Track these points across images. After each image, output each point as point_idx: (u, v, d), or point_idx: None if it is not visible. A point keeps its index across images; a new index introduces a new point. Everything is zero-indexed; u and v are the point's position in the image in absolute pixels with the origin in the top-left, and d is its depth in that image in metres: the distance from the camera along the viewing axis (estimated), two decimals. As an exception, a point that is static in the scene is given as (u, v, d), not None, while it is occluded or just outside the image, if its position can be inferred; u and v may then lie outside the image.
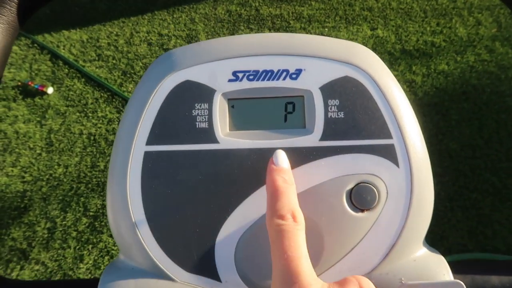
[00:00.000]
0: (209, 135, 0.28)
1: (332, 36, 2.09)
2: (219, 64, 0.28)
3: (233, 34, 2.17)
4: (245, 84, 0.28)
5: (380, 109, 0.28)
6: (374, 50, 1.98)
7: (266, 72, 0.28)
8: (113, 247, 1.33)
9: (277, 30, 2.17)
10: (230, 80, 0.28)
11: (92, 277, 1.30)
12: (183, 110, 0.28)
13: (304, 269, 0.22)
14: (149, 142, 0.28)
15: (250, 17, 2.26)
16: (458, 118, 1.66)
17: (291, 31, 2.16)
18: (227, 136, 0.28)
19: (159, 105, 0.28)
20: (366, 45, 2.00)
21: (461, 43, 2.00)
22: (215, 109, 0.28)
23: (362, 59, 0.29)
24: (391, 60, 1.93)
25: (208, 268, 0.28)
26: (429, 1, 2.28)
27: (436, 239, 1.30)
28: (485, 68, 1.87)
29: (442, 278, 0.27)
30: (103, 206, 1.44)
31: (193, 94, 0.28)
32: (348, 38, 2.08)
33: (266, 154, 0.28)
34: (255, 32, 2.17)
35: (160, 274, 0.28)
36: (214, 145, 0.28)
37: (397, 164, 0.28)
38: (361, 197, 0.28)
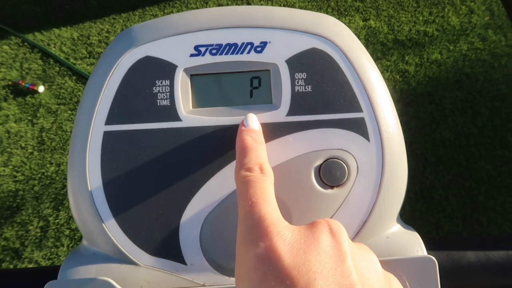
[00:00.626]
0: (171, 113, 0.27)
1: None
2: (181, 38, 0.27)
3: (225, 28, 2.16)
4: (207, 59, 0.27)
5: (349, 82, 0.27)
6: (366, 40, 1.97)
7: (229, 45, 0.27)
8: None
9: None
10: (192, 55, 0.27)
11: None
12: (144, 88, 0.27)
13: (268, 211, 0.21)
14: (109, 121, 0.27)
15: (242, 11, 2.25)
16: (452, 107, 1.65)
17: (283, 24, 2.14)
18: (190, 114, 0.27)
19: (118, 83, 0.27)
20: (358, 36, 1.99)
21: (454, 32, 1.99)
22: (176, 85, 0.27)
23: (330, 30, 0.28)
24: (384, 50, 1.92)
25: (173, 251, 0.27)
26: (421, -10, 2.27)
27: (431, 228, 1.30)
28: (478, 56, 1.86)
29: (415, 255, 0.26)
30: (96, 204, 1.43)
31: (153, 71, 0.27)
32: (340, 30, 2.07)
33: (231, 132, 0.27)
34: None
35: (123, 259, 0.27)
36: (176, 123, 0.27)
37: (367, 138, 0.27)
38: (330, 173, 0.27)
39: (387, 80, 1.77)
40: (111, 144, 0.27)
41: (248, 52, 0.27)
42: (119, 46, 0.28)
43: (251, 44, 0.27)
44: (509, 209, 1.32)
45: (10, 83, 1.85)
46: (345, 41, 0.28)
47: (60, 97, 1.81)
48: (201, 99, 0.28)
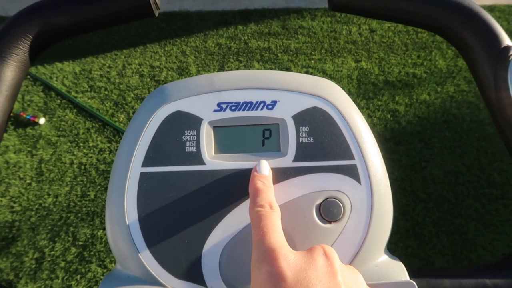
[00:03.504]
0: (197, 157, 0.32)
1: (318, 68, 2.17)
2: (206, 96, 0.33)
3: (223, 66, 2.24)
4: (228, 114, 0.33)
5: (344, 135, 0.33)
6: (358, 81, 2.06)
7: (246, 103, 0.33)
8: (101, 277, 1.32)
9: (266, 62, 2.25)
10: (215, 110, 0.33)
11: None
12: (174, 136, 0.32)
13: (276, 239, 0.26)
14: (145, 164, 0.32)
15: (239, 50, 2.34)
16: (441, 146, 1.72)
17: (279, 63, 2.23)
18: (212, 159, 0.33)
19: (153, 132, 0.32)
20: (351, 76, 2.08)
21: (441, 75, 2.10)
22: (202, 135, 0.33)
23: (328, 92, 0.34)
24: (375, 90, 2.01)
25: (196, 275, 0.31)
26: (409, 35, 2.40)
27: (422, 264, 1.32)
28: (464, 98, 1.96)
29: (399, 280, 0.30)
30: (93, 236, 1.44)
31: (183, 123, 0.33)
32: (333, 70, 2.16)
33: (247, 174, 0.32)
34: (244, 64, 2.25)
35: (153, 281, 0.31)
36: (201, 167, 0.32)
37: (359, 181, 0.32)
38: (329, 211, 0.32)
39: (379, 119, 1.84)
40: (146, 183, 0.32)
41: (261, 109, 0.33)
42: (154, 101, 0.34)
43: (264, 102, 0.33)
44: (498, 246, 1.36)
45: (11, 114, 1.89)
46: (340, 101, 0.34)
47: (60, 129, 1.85)
48: (222, 147, 0.33)
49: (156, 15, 0.36)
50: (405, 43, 2.34)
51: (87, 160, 1.71)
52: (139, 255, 0.31)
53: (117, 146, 1.76)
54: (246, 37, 2.44)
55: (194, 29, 2.53)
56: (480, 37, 0.34)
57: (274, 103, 0.33)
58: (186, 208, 0.32)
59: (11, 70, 0.33)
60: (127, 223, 0.31)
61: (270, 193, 0.30)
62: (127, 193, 0.32)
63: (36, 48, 0.34)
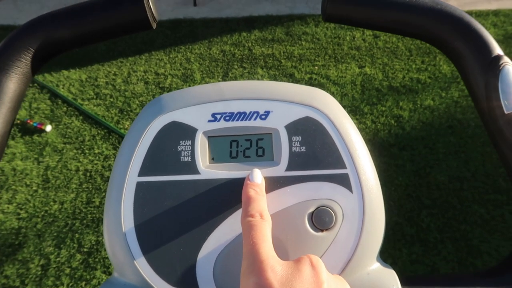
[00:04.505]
0: (191, 167, 0.33)
1: (321, 74, 2.18)
2: (201, 107, 0.34)
3: (227, 72, 2.25)
4: (222, 124, 0.34)
5: (336, 144, 0.33)
6: (362, 86, 2.06)
7: (240, 113, 0.34)
8: (106, 284, 1.33)
9: (269, 68, 2.26)
10: (209, 121, 0.34)
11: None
12: (170, 146, 0.33)
13: (265, 249, 0.27)
14: (141, 173, 0.33)
15: (243, 56, 2.36)
16: (445, 152, 1.71)
17: (283, 70, 2.24)
18: (207, 168, 0.33)
19: (149, 142, 0.33)
20: (354, 82, 2.08)
21: (445, 80, 2.09)
22: (197, 145, 0.33)
23: (320, 102, 0.35)
24: (379, 96, 2.01)
25: (190, 282, 0.32)
26: (413, 40, 2.40)
27: (427, 270, 1.31)
28: (469, 103, 1.95)
29: None
30: (98, 242, 1.45)
31: (178, 133, 0.34)
32: (337, 76, 2.16)
33: (240, 183, 0.33)
34: (248, 71, 2.26)
35: None
36: (196, 176, 0.33)
37: (351, 190, 0.33)
38: (321, 219, 0.32)
39: (383, 125, 1.84)
40: (142, 193, 0.33)
41: (255, 119, 0.34)
42: (151, 112, 0.35)
43: (257, 112, 0.34)
44: (504, 252, 1.34)
45: (18, 122, 1.91)
46: (332, 111, 0.34)
47: (67, 136, 1.87)
48: (216, 156, 0.34)
49: (154, 27, 0.37)
50: (409, 49, 2.34)
51: (92, 167, 1.73)
52: (135, 262, 0.32)
53: (122, 153, 1.78)
54: (250, 44, 2.46)
55: (199, 36, 2.55)
56: (472, 47, 0.34)
57: (267, 113, 0.34)
58: (181, 217, 0.32)
59: (13, 82, 0.34)
60: (124, 231, 0.32)
61: (262, 201, 0.31)
62: (124, 202, 0.32)
63: (38, 61, 0.36)
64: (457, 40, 0.35)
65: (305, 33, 2.52)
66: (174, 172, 0.33)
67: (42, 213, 1.55)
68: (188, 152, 0.33)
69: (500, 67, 0.33)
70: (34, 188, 1.64)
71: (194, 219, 0.32)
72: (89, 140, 1.85)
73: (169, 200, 0.32)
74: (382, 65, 2.23)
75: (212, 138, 0.34)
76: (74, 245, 1.44)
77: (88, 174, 1.70)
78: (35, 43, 0.35)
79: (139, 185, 0.33)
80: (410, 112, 1.92)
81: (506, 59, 0.34)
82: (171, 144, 0.33)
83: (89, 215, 1.54)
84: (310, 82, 2.13)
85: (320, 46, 2.40)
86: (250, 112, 0.34)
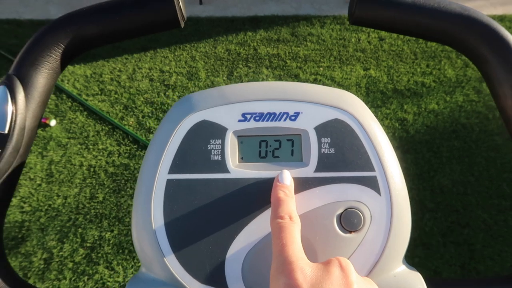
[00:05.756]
0: (221, 166, 0.33)
1: (326, 75, 2.18)
2: (231, 107, 0.34)
3: (232, 71, 2.25)
4: (252, 124, 0.34)
5: (364, 146, 0.34)
6: (367, 89, 2.06)
7: (269, 114, 0.34)
8: (108, 279, 1.33)
9: (274, 69, 2.26)
10: (240, 120, 0.34)
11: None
12: (200, 145, 0.34)
13: (294, 251, 0.27)
14: (171, 171, 0.33)
15: (249, 56, 2.36)
16: (449, 156, 1.71)
17: (288, 70, 2.25)
18: (236, 167, 0.34)
19: (180, 140, 0.34)
20: (359, 84, 2.09)
21: (450, 84, 2.10)
22: (227, 144, 0.34)
23: (349, 105, 0.35)
24: (384, 99, 2.01)
25: (219, 280, 0.32)
26: (419, 44, 2.40)
27: (429, 274, 1.32)
28: (473, 108, 1.95)
29: None
30: (100, 237, 1.45)
31: (208, 132, 0.34)
32: (342, 78, 2.16)
33: (269, 183, 0.33)
34: (253, 70, 2.26)
35: (177, 285, 0.32)
36: (225, 175, 0.33)
37: (379, 192, 0.33)
38: (349, 221, 0.32)
39: (387, 128, 1.84)
40: (172, 190, 0.33)
41: (284, 120, 0.34)
42: (181, 110, 0.35)
43: (287, 113, 0.34)
44: (507, 258, 1.35)
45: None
46: (360, 114, 0.35)
47: (71, 131, 1.87)
48: (246, 156, 0.34)
49: (182, 26, 0.37)
50: (414, 52, 2.34)
51: (96, 162, 1.73)
52: (165, 259, 0.32)
53: (126, 149, 1.78)
54: (255, 43, 2.46)
55: (204, 35, 2.55)
56: (498, 54, 0.34)
57: (297, 114, 0.34)
58: (210, 215, 0.32)
59: (43, 77, 0.34)
60: (154, 228, 0.32)
61: (291, 203, 0.31)
62: (154, 199, 0.33)
63: (67, 56, 0.36)
64: (484, 47, 0.35)
65: (311, 34, 2.52)
66: (204, 170, 0.33)
67: (46, 207, 1.55)
68: (218, 151, 0.33)
69: None
70: (38, 182, 1.64)
71: (224, 218, 0.32)
72: (93, 136, 1.85)
73: (199, 198, 0.33)
74: (387, 68, 2.23)
75: (242, 137, 0.34)
76: (77, 239, 1.44)
77: (92, 169, 1.70)
78: (65, 39, 0.35)
79: (169, 182, 0.33)
80: (414, 116, 1.92)
81: None
82: (201, 143, 0.34)
83: (92, 210, 1.54)
84: (315, 83, 2.13)
85: (326, 48, 2.40)
86: (280, 113, 0.34)
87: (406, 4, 0.35)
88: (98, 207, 1.55)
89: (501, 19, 2.60)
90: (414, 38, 2.42)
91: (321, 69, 2.24)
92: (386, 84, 2.12)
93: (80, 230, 1.47)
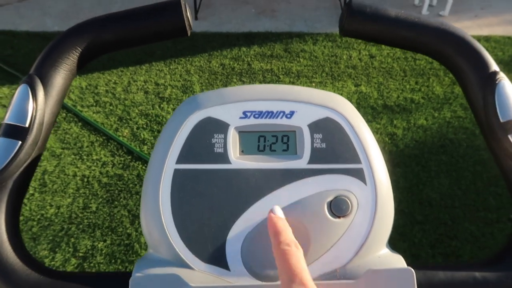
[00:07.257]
0: (224, 157, 0.37)
1: (319, 90, 2.23)
2: (233, 105, 0.38)
3: (226, 86, 2.29)
4: (252, 121, 0.38)
5: (352, 142, 0.38)
6: (358, 104, 2.12)
7: (268, 112, 0.38)
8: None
9: (268, 83, 2.31)
10: (241, 118, 0.38)
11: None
12: (205, 139, 0.37)
13: (308, 278, 0.29)
14: (178, 161, 0.37)
15: (243, 70, 2.41)
16: (437, 170, 1.76)
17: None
18: (237, 159, 0.37)
19: (187, 134, 0.37)
20: (350, 100, 2.13)
21: (438, 101, 2.16)
22: (229, 138, 0.37)
23: (339, 105, 0.39)
24: (374, 114, 2.06)
25: (220, 259, 0.35)
26: (408, 61, 2.48)
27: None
28: (461, 123, 2.01)
29: (399, 267, 0.34)
30: (93, 247, 1.45)
31: (212, 127, 0.38)
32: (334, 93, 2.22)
33: (267, 173, 0.37)
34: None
35: (182, 264, 0.35)
36: (227, 165, 0.37)
37: (365, 182, 0.37)
38: (338, 207, 0.36)
39: (377, 142, 1.89)
40: (179, 178, 0.36)
41: (281, 118, 0.38)
42: (188, 108, 0.39)
43: (283, 112, 0.38)
44: (493, 269, 1.38)
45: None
46: (349, 113, 0.39)
47: (65, 141, 1.88)
48: (246, 149, 0.38)
49: (189, 34, 0.41)
50: (403, 69, 2.41)
51: (90, 172, 1.74)
52: (171, 240, 0.35)
53: (120, 160, 1.79)
54: (249, 59, 2.51)
55: (199, 49, 2.60)
56: (471, 63, 0.39)
57: (292, 113, 0.38)
58: (213, 201, 0.36)
59: (61, 77, 0.38)
60: (161, 213, 0.35)
61: (289, 233, 0.33)
62: (162, 186, 0.36)
63: (83, 59, 0.39)
64: (458, 57, 0.40)
65: (303, 50, 2.59)
66: (208, 161, 0.37)
67: (38, 216, 1.55)
68: (221, 144, 0.37)
69: (497, 82, 0.38)
70: (31, 191, 1.64)
71: (225, 203, 0.36)
72: (87, 146, 1.86)
73: (203, 185, 0.36)
74: (377, 84, 2.29)
75: (242, 133, 0.38)
76: (70, 249, 1.44)
77: (85, 179, 1.71)
78: (82, 44, 0.39)
79: (177, 171, 0.36)
80: (403, 131, 1.97)
81: (502, 74, 0.39)
82: (206, 137, 0.37)
83: (85, 220, 1.54)
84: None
85: (318, 64, 2.46)
86: (277, 111, 0.38)
87: (390, 18, 0.40)
88: (91, 217, 1.56)
89: (486, 39, 2.69)
90: (403, 56, 2.50)
91: (313, 84, 2.29)
92: (376, 100, 2.18)
93: (72, 239, 1.47)
